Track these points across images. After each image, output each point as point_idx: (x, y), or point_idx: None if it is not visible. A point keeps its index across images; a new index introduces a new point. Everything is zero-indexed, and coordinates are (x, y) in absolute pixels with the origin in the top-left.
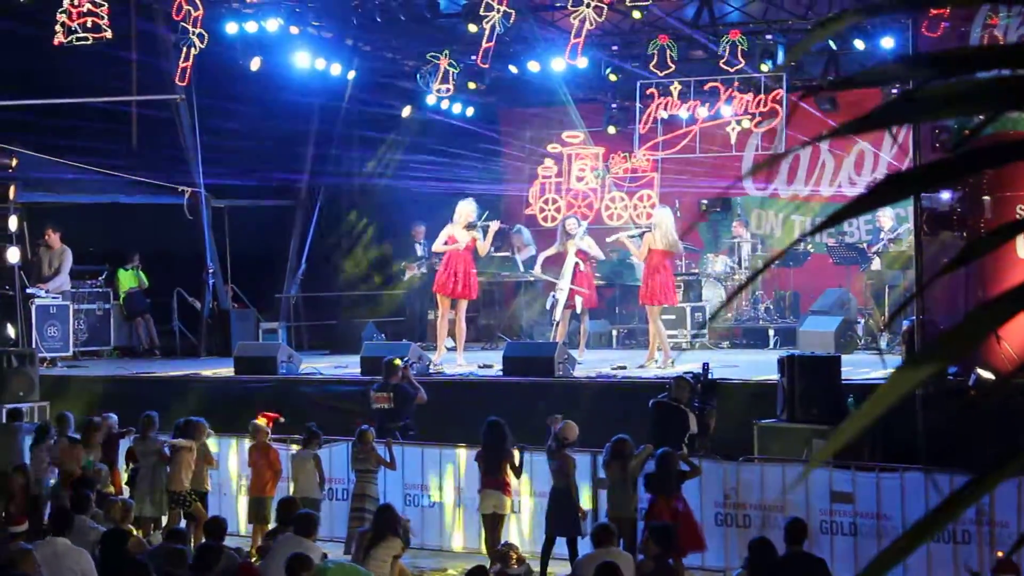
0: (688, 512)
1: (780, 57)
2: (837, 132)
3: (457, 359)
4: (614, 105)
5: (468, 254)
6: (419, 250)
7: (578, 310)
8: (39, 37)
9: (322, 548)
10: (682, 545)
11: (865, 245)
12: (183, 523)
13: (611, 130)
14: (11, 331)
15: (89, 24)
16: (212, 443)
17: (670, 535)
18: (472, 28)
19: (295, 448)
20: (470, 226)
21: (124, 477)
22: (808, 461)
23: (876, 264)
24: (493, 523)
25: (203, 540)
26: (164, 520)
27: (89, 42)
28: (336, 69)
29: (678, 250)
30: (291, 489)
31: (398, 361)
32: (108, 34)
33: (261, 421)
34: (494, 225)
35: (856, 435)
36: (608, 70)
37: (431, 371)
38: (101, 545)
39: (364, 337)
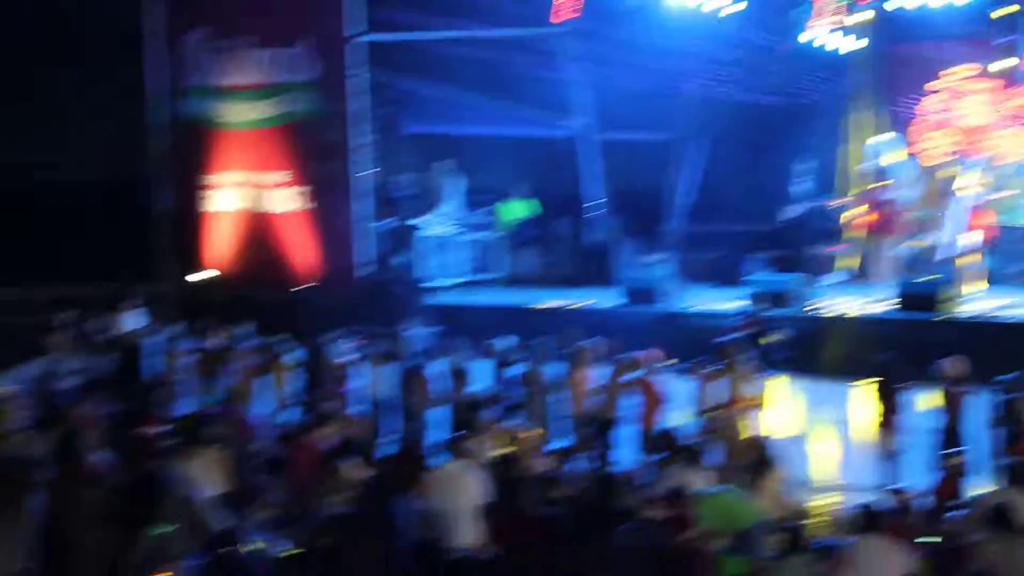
0: None
1: None
2: None
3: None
4: (1000, 40)
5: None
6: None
7: (976, 245)
8: None
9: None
10: None
11: None
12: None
13: (998, 66)
14: (401, 260)
15: None
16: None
17: None
18: None
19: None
20: None
21: None
22: None
23: None
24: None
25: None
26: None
27: None
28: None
29: None
30: None
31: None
32: None
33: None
34: None
35: None
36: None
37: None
38: (494, 468)
39: (750, 271)
